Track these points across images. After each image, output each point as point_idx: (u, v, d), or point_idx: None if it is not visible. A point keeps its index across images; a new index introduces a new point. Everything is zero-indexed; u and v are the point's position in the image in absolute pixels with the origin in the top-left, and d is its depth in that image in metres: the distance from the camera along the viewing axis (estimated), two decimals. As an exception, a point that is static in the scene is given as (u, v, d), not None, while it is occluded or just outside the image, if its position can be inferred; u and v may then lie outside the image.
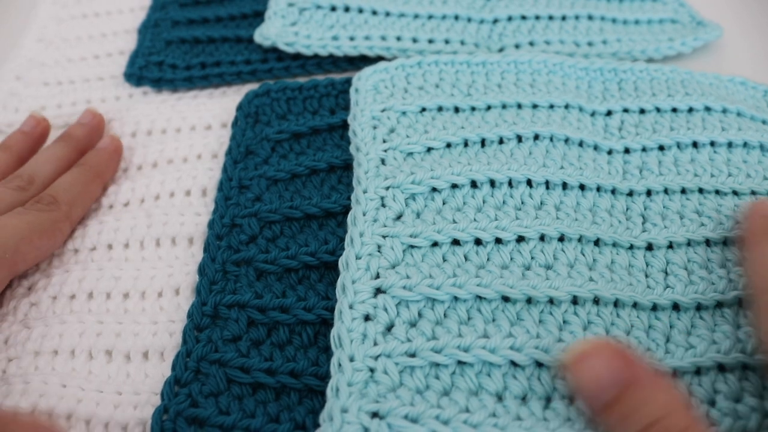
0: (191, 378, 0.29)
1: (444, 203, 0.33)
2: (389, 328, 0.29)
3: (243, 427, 0.28)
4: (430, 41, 0.45)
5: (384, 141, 0.36)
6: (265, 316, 0.31)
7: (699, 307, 0.30)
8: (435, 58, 0.41)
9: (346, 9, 0.46)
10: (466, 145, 0.36)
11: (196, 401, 0.29)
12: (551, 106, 0.39)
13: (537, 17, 0.47)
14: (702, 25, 0.47)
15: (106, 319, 0.33)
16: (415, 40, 0.45)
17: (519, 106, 0.39)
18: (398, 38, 0.45)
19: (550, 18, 0.47)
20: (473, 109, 0.38)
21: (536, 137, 0.36)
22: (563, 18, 0.47)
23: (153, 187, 0.39)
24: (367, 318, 0.29)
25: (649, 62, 0.46)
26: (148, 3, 0.52)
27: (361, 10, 0.46)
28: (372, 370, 0.27)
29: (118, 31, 0.50)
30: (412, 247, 0.31)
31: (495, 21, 0.47)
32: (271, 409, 0.29)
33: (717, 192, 0.35)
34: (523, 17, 0.47)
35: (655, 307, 0.30)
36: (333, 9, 0.46)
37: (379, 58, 0.44)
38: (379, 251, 0.31)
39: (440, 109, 0.38)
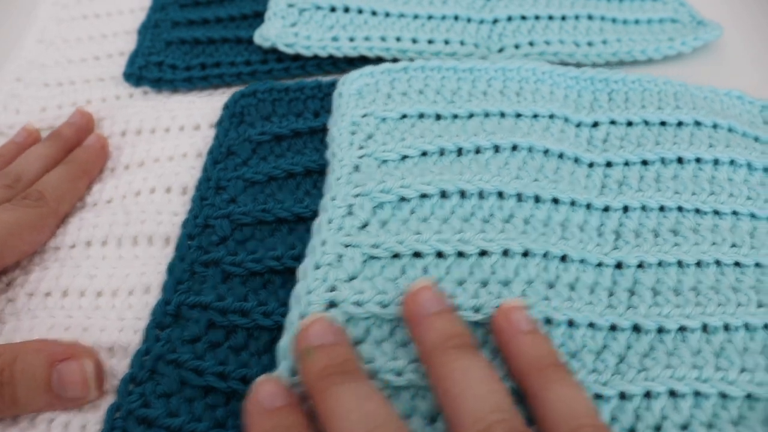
0: (146, 377, 0.29)
1: (411, 213, 0.32)
2: None
3: (189, 431, 0.28)
4: (430, 42, 0.45)
5: (360, 147, 0.36)
6: (225, 319, 0.31)
7: (660, 330, 0.29)
8: (422, 63, 0.40)
9: (346, 10, 0.46)
10: (442, 153, 0.35)
11: (149, 401, 0.29)
12: (535, 116, 0.38)
13: (537, 17, 0.47)
14: (702, 25, 0.47)
15: (77, 314, 0.33)
16: (414, 41, 0.45)
17: (502, 114, 0.38)
18: (398, 39, 0.45)
19: (550, 18, 0.47)
20: (455, 116, 0.38)
21: (514, 147, 0.36)
22: (563, 18, 0.47)
23: (135, 184, 0.39)
24: None
25: (648, 62, 0.46)
26: (148, 4, 0.52)
27: (360, 11, 0.46)
28: None
29: (118, 31, 0.50)
30: (372, 258, 0.31)
31: (495, 21, 0.47)
32: (219, 414, 0.28)
33: (697, 211, 0.34)
34: (523, 17, 0.47)
35: (613, 328, 0.29)
36: (333, 10, 0.46)
37: (379, 59, 0.44)
38: (339, 261, 0.30)
39: (421, 116, 0.38)
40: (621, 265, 0.31)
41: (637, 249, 0.32)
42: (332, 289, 0.29)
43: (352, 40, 0.45)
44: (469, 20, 0.46)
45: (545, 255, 0.31)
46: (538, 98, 0.39)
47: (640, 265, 0.32)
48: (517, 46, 0.45)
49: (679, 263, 0.32)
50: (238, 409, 0.28)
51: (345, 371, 0.25)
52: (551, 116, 0.38)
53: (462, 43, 0.45)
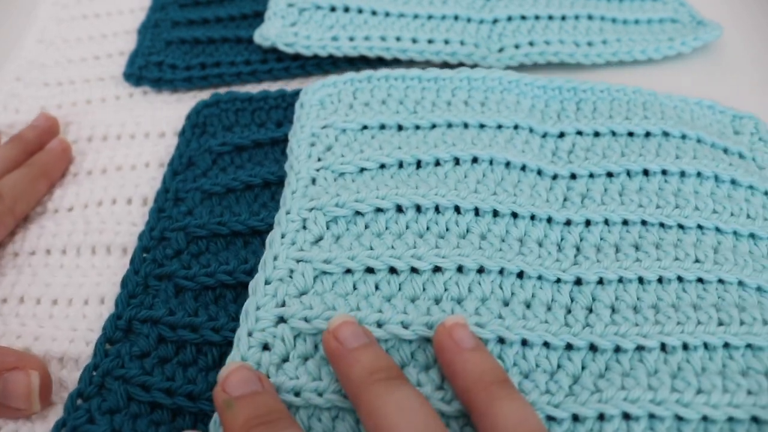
0: (94, 392, 0.29)
1: (366, 228, 0.32)
2: (284, 360, 0.28)
3: None
4: (430, 41, 0.45)
5: (318, 159, 0.35)
6: (174, 334, 0.31)
7: (617, 350, 0.29)
8: (386, 72, 0.40)
9: (346, 9, 0.46)
10: (400, 166, 0.35)
11: (93, 417, 0.28)
12: (499, 126, 0.37)
13: (537, 17, 0.47)
14: (702, 25, 0.47)
15: (30, 323, 0.33)
16: (414, 41, 0.45)
17: (465, 125, 0.37)
18: (398, 39, 0.45)
19: (550, 18, 0.47)
20: (417, 127, 0.37)
21: (475, 160, 0.35)
22: (563, 18, 0.47)
23: (96, 193, 0.39)
24: (265, 347, 0.28)
25: (648, 62, 0.46)
26: (147, 3, 0.52)
27: (360, 11, 0.46)
28: None
29: (118, 31, 0.50)
30: (324, 273, 0.30)
31: (495, 21, 0.47)
32: (163, 431, 0.28)
33: (661, 225, 0.33)
34: (523, 17, 0.47)
35: (569, 347, 0.29)
36: (333, 9, 0.46)
37: (379, 59, 0.45)
38: (290, 276, 0.30)
39: (383, 126, 0.37)
40: (580, 281, 0.31)
41: (597, 265, 0.31)
42: (282, 304, 0.29)
43: (352, 39, 0.45)
44: (469, 20, 0.46)
45: (501, 271, 0.31)
46: (502, 108, 0.38)
47: (599, 282, 0.31)
48: (517, 46, 0.45)
49: (640, 279, 0.31)
50: (184, 426, 0.28)
51: (269, 421, 0.24)
52: (516, 127, 0.37)
53: (462, 43, 0.45)
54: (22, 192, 0.37)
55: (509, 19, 0.47)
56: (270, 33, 0.45)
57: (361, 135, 0.37)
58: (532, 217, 0.33)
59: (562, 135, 0.38)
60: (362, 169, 0.35)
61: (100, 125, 0.43)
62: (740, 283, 0.31)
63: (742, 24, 0.49)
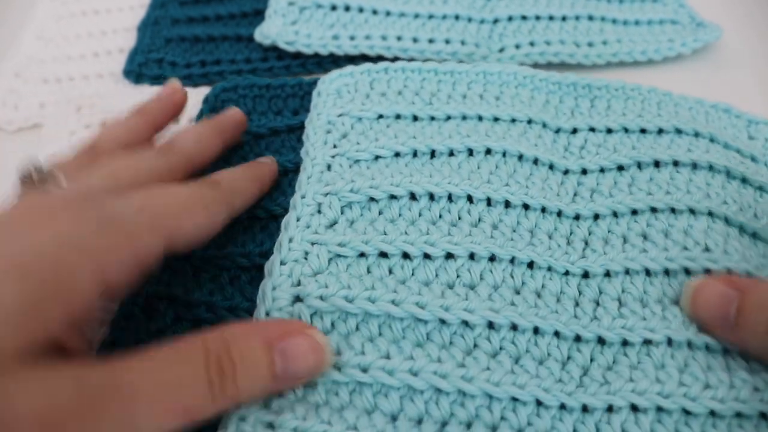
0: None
1: (380, 213, 0.32)
2: None
3: None
4: (431, 41, 0.45)
5: (334, 146, 0.36)
6: (190, 313, 0.31)
7: (625, 343, 0.29)
8: (402, 64, 0.40)
9: (347, 8, 0.46)
10: (415, 155, 0.35)
11: None
12: (513, 120, 0.37)
13: (537, 17, 0.47)
14: (702, 26, 0.47)
15: None
16: (415, 40, 0.45)
17: (480, 118, 0.37)
18: (399, 38, 0.45)
19: (551, 18, 0.47)
20: (432, 118, 0.37)
21: (488, 151, 0.35)
22: (563, 18, 0.47)
23: None
24: None
25: (648, 63, 0.46)
26: (148, 1, 0.51)
27: (361, 10, 0.46)
28: None
29: (117, 28, 0.50)
30: (338, 256, 0.30)
31: (495, 21, 0.47)
32: None
33: (672, 210, 0.33)
34: (524, 17, 0.47)
35: (578, 338, 0.29)
36: (333, 8, 0.46)
37: (380, 58, 0.44)
38: (305, 258, 0.30)
39: (398, 116, 0.37)
40: (588, 274, 0.31)
41: (603, 257, 0.31)
42: (297, 284, 0.29)
43: (352, 38, 0.45)
44: (469, 20, 0.47)
45: (512, 260, 0.31)
46: (517, 103, 0.39)
47: (606, 274, 0.31)
48: (517, 46, 0.45)
49: (647, 272, 0.31)
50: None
51: None
52: (529, 121, 0.37)
53: (463, 42, 0.45)
54: (241, 188, 0.34)
55: (510, 19, 0.47)
56: (271, 31, 0.45)
57: (377, 124, 0.37)
58: (543, 210, 0.33)
59: (575, 131, 0.38)
60: (377, 157, 0.35)
61: (114, 111, 0.43)
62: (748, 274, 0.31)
63: (741, 25, 0.49)
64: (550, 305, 0.29)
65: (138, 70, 0.45)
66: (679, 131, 0.37)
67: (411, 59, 0.44)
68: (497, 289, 0.30)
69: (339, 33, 0.45)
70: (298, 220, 0.32)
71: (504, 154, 0.35)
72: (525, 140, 0.36)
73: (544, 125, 0.38)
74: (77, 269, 0.23)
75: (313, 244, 0.31)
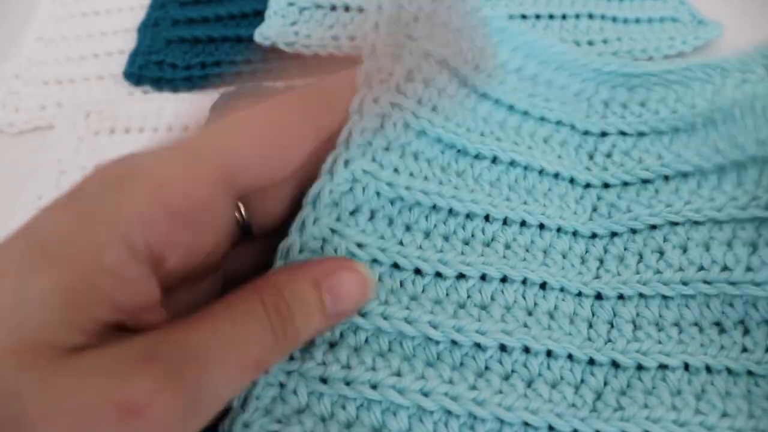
0: None
1: (398, 214, 0.30)
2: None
3: None
4: (431, 41, 0.45)
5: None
6: None
7: (639, 368, 0.28)
8: None
9: (347, 8, 0.46)
10: (443, 152, 0.32)
11: None
12: (542, 119, 0.35)
13: (537, 16, 0.47)
14: (703, 24, 0.47)
15: None
16: (415, 40, 0.45)
17: (511, 108, 0.35)
18: (399, 38, 0.45)
19: (551, 17, 0.47)
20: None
21: (512, 163, 0.33)
22: (563, 17, 0.47)
23: None
24: None
25: (649, 61, 0.46)
26: (148, 2, 0.51)
27: (361, 10, 0.46)
28: None
29: (117, 29, 0.50)
30: (353, 255, 0.29)
31: (495, 20, 0.47)
32: None
33: (695, 223, 0.31)
34: (524, 16, 0.47)
35: (591, 362, 0.28)
36: (333, 8, 0.46)
37: (380, 58, 0.44)
38: (321, 249, 0.29)
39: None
40: (601, 296, 0.30)
41: (617, 278, 0.30)
42: None
43: (352, 39, 0.45)
44: (469, 19, 0.46)
45: (524, 281, 0.30)
46: (551, 91, 0.36)
47: (620, 297, 0.30)
48: (517, 46, 0.45)
49: (663, 296, 0.30)
50: None
51: None
52: (558, 122, 0.36)
53: (463, 42, 0.45)
54: None
55: (510, 18, 0.47)
56: (270, 32, 0.45)
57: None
58: (558, 230, 0.32)
59: (603, 134, 0.36)
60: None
61: (122, 117, 0.43)
62: None
63: (742, 23, 0.49)
64: (563, 327, 0.29)
65: (138, 71, 0.45)
66: (713, 122, 0.33)
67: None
68: (509, 310, 0.29)
69: (339, 33, 0.45)
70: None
71: (526, 168, 0.33)
72: (549, 150, 0.34)
73: (573, 127, 0.36)
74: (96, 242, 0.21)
75: (333, 232, 0.28)
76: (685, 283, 0.29)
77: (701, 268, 0.30)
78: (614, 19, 0.47)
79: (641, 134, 0.36)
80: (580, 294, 0.30)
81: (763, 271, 0.28)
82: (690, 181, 0.33)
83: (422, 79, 0.30)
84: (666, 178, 0.33)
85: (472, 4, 0.33)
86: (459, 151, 0.32)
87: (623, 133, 0.36)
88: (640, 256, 0.31)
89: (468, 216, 0.31)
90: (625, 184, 0.34)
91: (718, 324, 0.29)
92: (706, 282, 0.29)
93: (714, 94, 0.36)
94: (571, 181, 0.34)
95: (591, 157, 0.35)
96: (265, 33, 0.45)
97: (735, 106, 0.32)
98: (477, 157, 0.33)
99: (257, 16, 0.48)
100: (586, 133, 0.36)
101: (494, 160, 0.33)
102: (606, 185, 0.34)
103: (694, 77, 0.37)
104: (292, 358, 0.27)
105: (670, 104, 0.36)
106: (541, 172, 0.33)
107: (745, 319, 0.29)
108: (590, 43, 0.45)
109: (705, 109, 0.34)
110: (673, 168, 0.33)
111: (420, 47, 0.30)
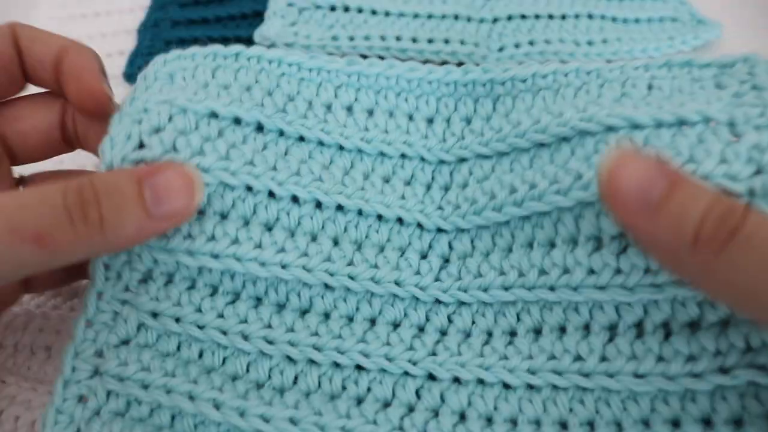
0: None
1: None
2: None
3: None
4: (430, 41, 0.45)
5: (140, 146, 0.28)
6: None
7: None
8: (260, 51, 0.31)
9: (346, 9, 0.46)
10: (249, 189, 0.28)
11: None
12: (382, 154, 0.31)
13: (537, 16, 0.47)
14: (702, 24, 0.47)
15: None
16: (414, 40, 0.45)
17: (341, 148, 0.30)
18: (398, 38, 0.45)
19: (550, 17, 0.47)
20: (281, 133, 0.30)
21: (339, 208, 0.29)
22: (563, 17, 0.47)
23: None
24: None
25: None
26: (147, 3, 0.52)
27: (360, 10, 0.46)
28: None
29: (117, 31, 0.50)
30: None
31: (495, 20, 0.47)
32: None
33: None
34: (523, 16, 0.47)
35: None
36: (332, 9, 0.46)
37: (380, 58, 0.44)
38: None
39: (237, 120, 0.29)
40: (433, 377, 0.28)
41: (456, 358, 0.27)
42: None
43: (351, 39, 0.45)
44: (469, 19, 0.46)
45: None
46: (393, 122, 0.31)
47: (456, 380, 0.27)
48: (517, 45, 0.45)
49: (503, 384, 0.27)
50: None
51: None
52: (402, 156, 0.31)
53: (462, 42, 0.45)
54: None
55: (509, 18, 0.47)
56: (270, 32, 0.45)
57: (206, 125, 0.28)
58: (394, 296, 0.28)
59: (461, 161, 0.30)
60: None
61: None
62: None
63: (741, 22, 0.49)
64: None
65: (138, 72, 0.45)
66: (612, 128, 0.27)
67: (409, 59, 0.44)
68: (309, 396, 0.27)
69: (338, 34, 0.45)
70: None
71: (359, 213, 0.29)
72: (390, 190, 0.30)
73: (422, 159, 0.31)
74: None
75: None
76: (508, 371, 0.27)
77: (552, 357, 0.27)
78: (614, 19, 0.47)
79: (501, 154, 0.30)
80: (406, 374, 0.27)
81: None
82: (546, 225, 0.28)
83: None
84: (525, 218, 0.28)
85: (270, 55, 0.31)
86: (271, 192, 0.28)
87: (483, 157, 0.30)
88: (489, 333, 0.28)
89: (285, 282, 0.28)
90: (480, 228, 0.29)
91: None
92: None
93: (588, 104, 0.28)
94: (419, 226, 0.29)
95: (445, 191, 0.30)
96: (264, 33, 0.45)
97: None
98: (295, 200, 0.29)
99: (257, 16, 0.48)
100: (440, 162, 0.31)
101: (318, 205, 0.29)
102: (460, 230, 0.29)
103: (567, 83, 0.30)
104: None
105: (534, 114, 0.30)
106: (379, 218, 0.29)
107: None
108: (590, 43, 0.45)
109: (572, 119, 0.28)
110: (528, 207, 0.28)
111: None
